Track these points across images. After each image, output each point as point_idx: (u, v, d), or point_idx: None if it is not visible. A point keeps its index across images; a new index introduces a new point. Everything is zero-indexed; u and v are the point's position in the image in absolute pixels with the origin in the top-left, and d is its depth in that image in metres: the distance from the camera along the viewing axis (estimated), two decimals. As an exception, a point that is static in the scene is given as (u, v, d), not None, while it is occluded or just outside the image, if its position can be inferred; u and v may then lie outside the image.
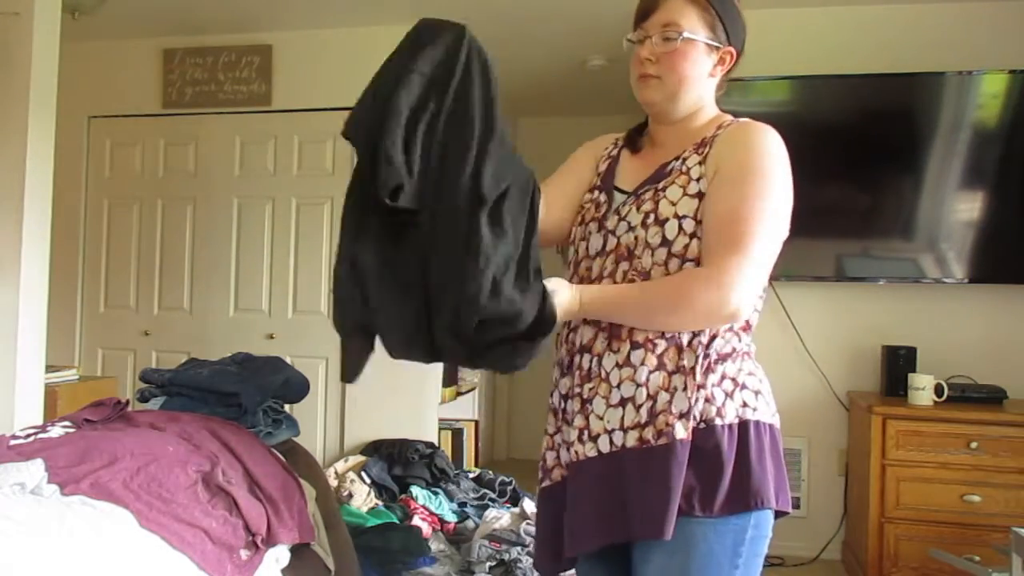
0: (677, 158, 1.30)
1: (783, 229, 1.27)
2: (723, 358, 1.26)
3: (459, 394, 4.38)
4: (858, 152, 3.36)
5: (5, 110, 2.67)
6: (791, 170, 1.27)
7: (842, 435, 3.48)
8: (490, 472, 3.71)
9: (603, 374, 1.27)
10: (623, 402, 1.25)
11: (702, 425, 1.22)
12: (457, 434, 4.36)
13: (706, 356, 1.24)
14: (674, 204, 1.25)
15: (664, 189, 1.27)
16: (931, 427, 2.98)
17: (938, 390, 3.06)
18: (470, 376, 4.58)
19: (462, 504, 3.25)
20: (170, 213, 4.20)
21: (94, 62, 4.17)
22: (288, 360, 2.50)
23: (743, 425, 1.23)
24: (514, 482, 3.55)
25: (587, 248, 1.35)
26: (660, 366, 1.24)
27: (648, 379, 1.24)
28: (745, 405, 1.24)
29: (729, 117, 1.35)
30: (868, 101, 3.36)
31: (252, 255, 4.10)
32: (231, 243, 4.11)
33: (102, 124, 4.27)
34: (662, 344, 1.24)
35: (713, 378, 1.24)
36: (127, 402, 1.99)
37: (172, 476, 1.56)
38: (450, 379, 4.21)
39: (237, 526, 1.58)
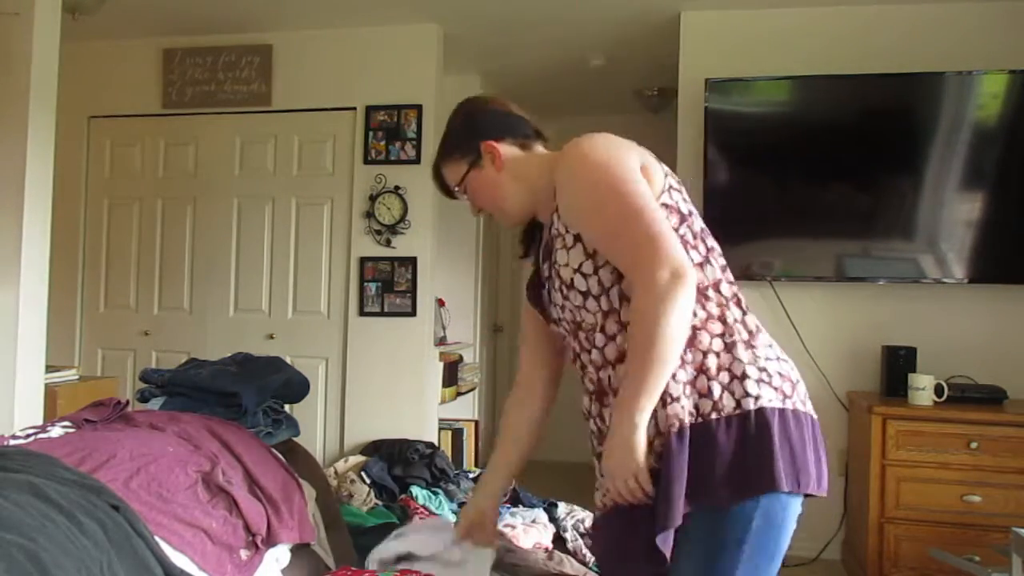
0: (551, 226, 1.40)
1: (638, 189, 1.28)
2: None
3: (459, 394, 4.37)
4: (858, 152, 3.35)
5: (5, 110, 2.67)
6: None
7: (842, 435, 3.48)
8: (490, 472, 3.70)
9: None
10: None
11: (678, 424, 1.25)
12: (457, 434, 4.36)
13: None
14: (568, 264, 1.35)
15: (556, 261, 1.37)
16: (931, 427, 2.99)
17: (938, 390, 3.07)
18: (470, 376, 4.58)
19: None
20: (170, 213, 4.20)
21: (94, 62, 4.16)
22: (288, 360, 2.51)
23: (698, 426, 1.25)
24: (514, 482, 3.55)
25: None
26: None
27: None
28: (703, 396, 1.25)
29: (554, 156, 1.42)
30: (868, 101, 3.36)
31: (252, 255, 4.10)
32: (231, 243, 4.11)
33: (102, 124, 4.27)
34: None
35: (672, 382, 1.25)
36: (127, 402, 1.99)
37: (172, 476, 1.56)
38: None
39: (237, 526, 1.58)
